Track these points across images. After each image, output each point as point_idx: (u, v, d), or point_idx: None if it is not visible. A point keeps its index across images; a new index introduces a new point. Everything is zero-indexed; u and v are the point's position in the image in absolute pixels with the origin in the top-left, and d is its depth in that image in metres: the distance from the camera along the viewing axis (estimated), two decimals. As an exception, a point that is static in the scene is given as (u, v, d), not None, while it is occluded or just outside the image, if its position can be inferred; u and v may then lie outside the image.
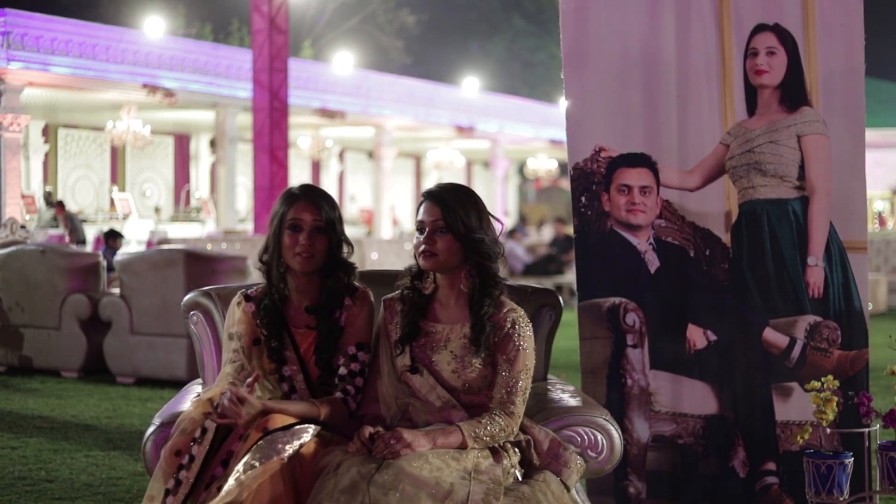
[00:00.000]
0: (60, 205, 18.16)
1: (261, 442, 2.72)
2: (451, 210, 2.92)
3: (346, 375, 3.02)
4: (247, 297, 3.11)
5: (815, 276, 3.82)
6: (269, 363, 3.04)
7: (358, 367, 3.03)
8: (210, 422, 2.81)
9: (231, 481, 2.64)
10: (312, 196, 3.06)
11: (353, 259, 3.14)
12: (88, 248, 17.01)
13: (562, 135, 20.38)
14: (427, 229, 2.94)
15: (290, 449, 2.70)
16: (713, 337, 3.92)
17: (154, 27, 19.95)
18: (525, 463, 2.93)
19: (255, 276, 8.05)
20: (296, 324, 3.08)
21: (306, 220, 3.03)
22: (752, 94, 3.87)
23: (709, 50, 3.90)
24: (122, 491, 4.66)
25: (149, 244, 17.98)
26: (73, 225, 17.67)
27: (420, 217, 2.97)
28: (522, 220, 31.26)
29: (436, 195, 2.96)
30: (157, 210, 23.30)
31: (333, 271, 3.07)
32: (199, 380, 3.53)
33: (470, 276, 2.97)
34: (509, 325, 2.94)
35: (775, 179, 3.86)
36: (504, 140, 28.89)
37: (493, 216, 3.01)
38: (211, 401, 2.87)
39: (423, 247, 2.94)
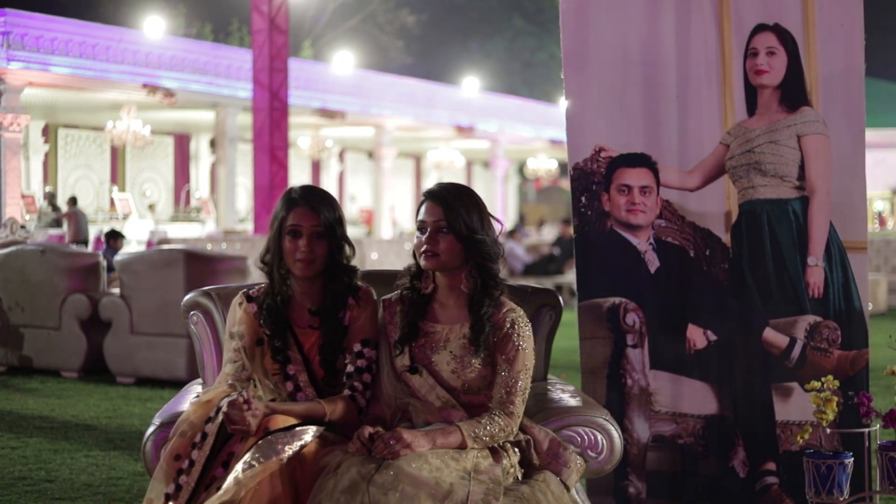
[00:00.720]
0: (73, 201, 18.24)
1: (261, 442, 2.72)
2: (454, 210, 2.91)
3: (353, 372, 3.01)
4: (248, 298, 3.09)
5: (815, 276, 3.82)
6: (272, 363, 3.03)
7: (364, 364, 3.02)
8: (211, 426, 2.81)
9: (229, 480, 2.64)
10: (312, 201, 3.03)
11: (354, 260, 3.13)
12: (89, 248, 17.02)
13: (562, 135, 20.37)
14: (429, 229, 2.93)
15: (289, 450, 2.70)
16: (713, 337, 3.92)
17: (154, 27, 19.97)
18: (525, 463, 2.93)
19: (255, 276, 8.07)
20: (299, 323, 3.07)
21: (305, 226, 3.00)
22: (752, 94, 3.87)
23: (709, 50, 3.90)
24: (122, 491, 4.66)
25: (149, 244, 18.00)
26: (78, 222, 17.68)
27: (421, 217, 2.96)
28: (521, 219, 31.22)
29: (437, 195, 2.95)
30: (151, 207, 23.21)
31: (335, 274, 3.06)
32: (199, 380, 3.52)
33: (470, 277, 2.96)
34: (508, 325, 2.94)
35: (775, 179, 3.85)
36: (504, 140, 28.89)
37: (492, 216, 3.01)
38: (210, 403, 2.86)
39: (424, 247, 2.93)
